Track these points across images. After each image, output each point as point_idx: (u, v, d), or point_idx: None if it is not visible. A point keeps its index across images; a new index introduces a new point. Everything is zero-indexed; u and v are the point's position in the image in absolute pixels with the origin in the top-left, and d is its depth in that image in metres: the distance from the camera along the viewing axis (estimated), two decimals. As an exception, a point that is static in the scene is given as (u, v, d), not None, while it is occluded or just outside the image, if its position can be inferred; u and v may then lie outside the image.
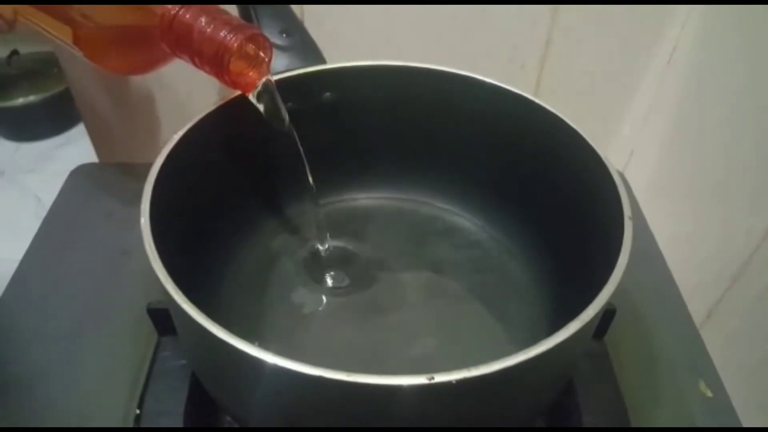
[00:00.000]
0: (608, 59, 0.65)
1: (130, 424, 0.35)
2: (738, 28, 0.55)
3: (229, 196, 0.41)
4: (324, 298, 0.42)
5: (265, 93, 0.35)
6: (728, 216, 0.55)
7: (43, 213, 0.49)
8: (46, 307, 0.41)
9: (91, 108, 0.67)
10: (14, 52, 1.27)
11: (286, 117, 0.36)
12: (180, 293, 0.26)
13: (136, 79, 0.64)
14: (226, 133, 0.39)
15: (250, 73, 0.34)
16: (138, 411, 0.35)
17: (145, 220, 0.30)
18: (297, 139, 0.37)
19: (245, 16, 0.44)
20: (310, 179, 0.40)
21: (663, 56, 0.65)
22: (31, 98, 1.22)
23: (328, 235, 0.44)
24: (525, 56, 0.64)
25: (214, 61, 0.30)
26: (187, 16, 0.30)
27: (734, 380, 0.41)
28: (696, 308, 0.45)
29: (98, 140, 0.70)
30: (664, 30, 0.63)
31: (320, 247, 0.44)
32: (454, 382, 0.24)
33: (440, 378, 0.24)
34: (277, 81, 0.40)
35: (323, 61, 0.43)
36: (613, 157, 0.35)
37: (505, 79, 0.41)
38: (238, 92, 0.35)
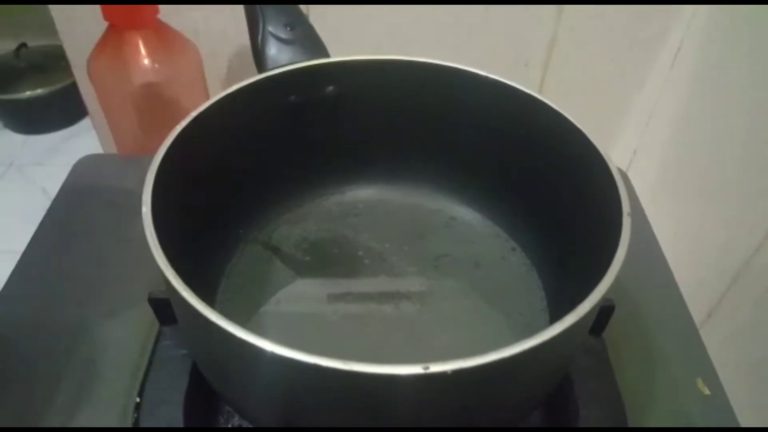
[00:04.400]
0: (612, 59, 0.65)
1: (131, 412, 0.35)
2: (743, 27, 0.55)
3: (229, 188, 0.42)
4: (323, 291, 0.42)
5: None
6: (730, 216, 0.55)
7: (50, 205, 0.49)
8: (49, 296, 0.42)
9: (97, 102, 0.67)
10: (22, 45, 1.27)
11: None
12: (180, 281, 0.27)
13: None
14: (225, 126, 0.39)
15: None
16: (138, 399, 0.35)
17: (146, 210, 0.30)
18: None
19: (251, 10, 0.44)
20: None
21: (667, 57, 0.65)
22: (39, 91, 1.22)
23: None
24: (529, 55, 0.64)
25: None
26: None
27: (733, 381, 0.41)
28: (697, 308, 0.45)
29: (104, 134, 0.70)
30: (669, 29, 0.63)
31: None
32: (449, 372, 0.24)
33: (435, 368, 0.24)
34: (281, 74, 0.41)
35: (327, 55, 0.43)
36: (617, 156, 0.35)
37: (508, 77, 0.41)
38: (236, 86, 0.35)
